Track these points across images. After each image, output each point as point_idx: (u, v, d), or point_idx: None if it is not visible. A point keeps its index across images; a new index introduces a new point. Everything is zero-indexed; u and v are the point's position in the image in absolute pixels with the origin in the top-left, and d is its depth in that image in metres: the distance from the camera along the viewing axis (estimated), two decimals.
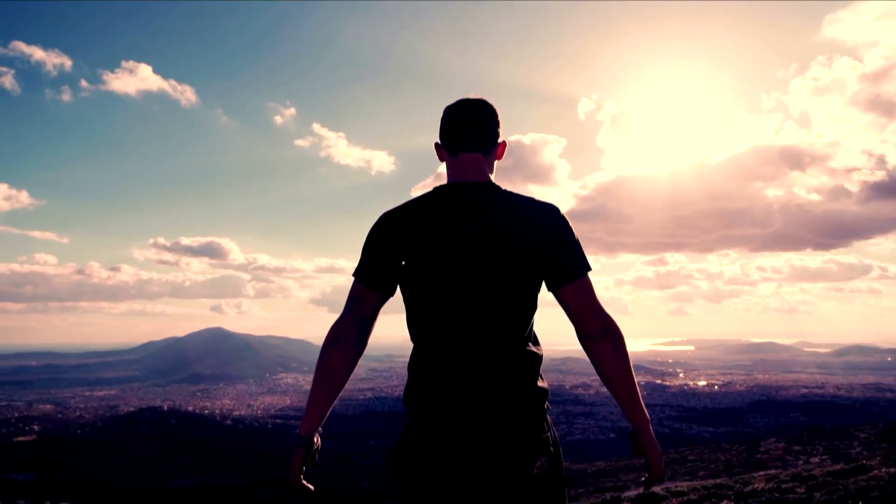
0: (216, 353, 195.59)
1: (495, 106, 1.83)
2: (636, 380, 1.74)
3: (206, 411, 78.34)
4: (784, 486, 5.92)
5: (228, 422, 69.96)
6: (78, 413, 79.15)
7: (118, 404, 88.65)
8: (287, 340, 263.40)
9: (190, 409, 78.29)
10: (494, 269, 1.64)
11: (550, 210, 1.71)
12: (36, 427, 67.04)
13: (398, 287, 1.76)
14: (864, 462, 6.86)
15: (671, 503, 6.08)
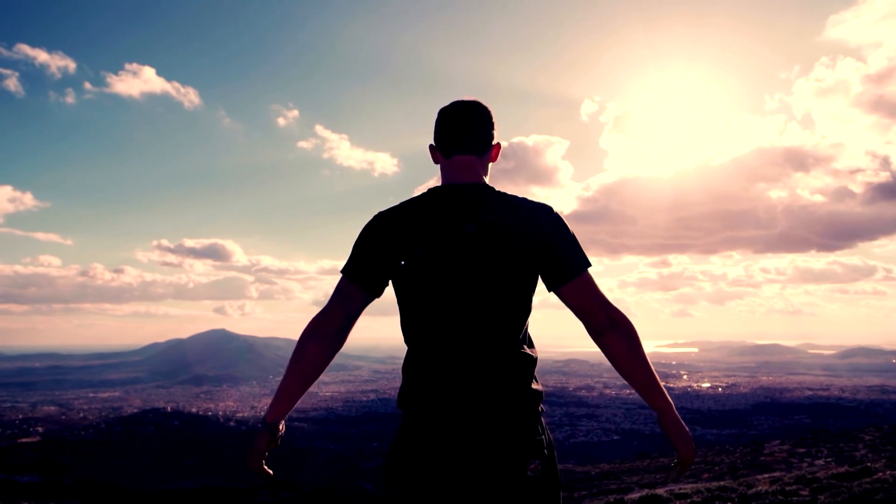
0: (219, 355, 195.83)
1: (490, 108, 1.83)
2: (652, 366, 1.73)
3: (210, 413, 78.41)
4: (788, 488, 5.91)
5: (232, 423, 70.00)
6: (82, 414, 79.30)
7: (122, 406, 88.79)
8: (290, 342, 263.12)
9: (193, 410, 78.37)
10: (495, 268, 1.64)
11: (546, 210, 1.71)
12: (40, 428, 67.20)
13: (387, 288, 1.75)
14: (869, 464, 6.83)
15: None
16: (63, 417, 76.56)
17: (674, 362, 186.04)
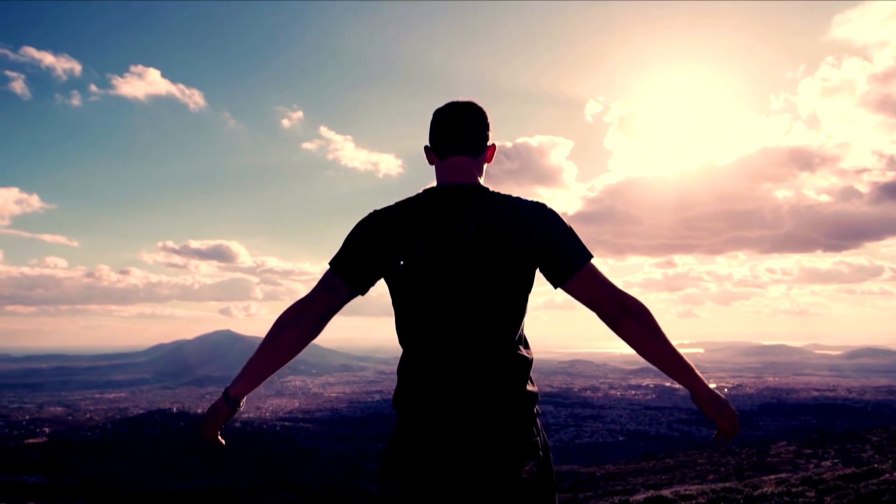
0: (225, 356, 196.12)
1: (486, 108, 1.82)
2: (674, 346, 1.72)
3: None
4: (794, 489, 5.88)
5: (237, 424, 70.07)
6: (88, 415, 79.61)
7: (128, 406, 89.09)
8: None
9: (199, 411, 78.43)
10: (494, 269, 1.63)
11: (542, 208, 1.71)
12: (46, 429, 67.48)
13: (372, 288, 1.75)
14: (876, 466, 6.80)
15: None
16: (69, 418, 76.86)
17: None
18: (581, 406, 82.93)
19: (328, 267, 1.75)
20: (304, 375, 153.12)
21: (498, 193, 1.73)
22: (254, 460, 54.33)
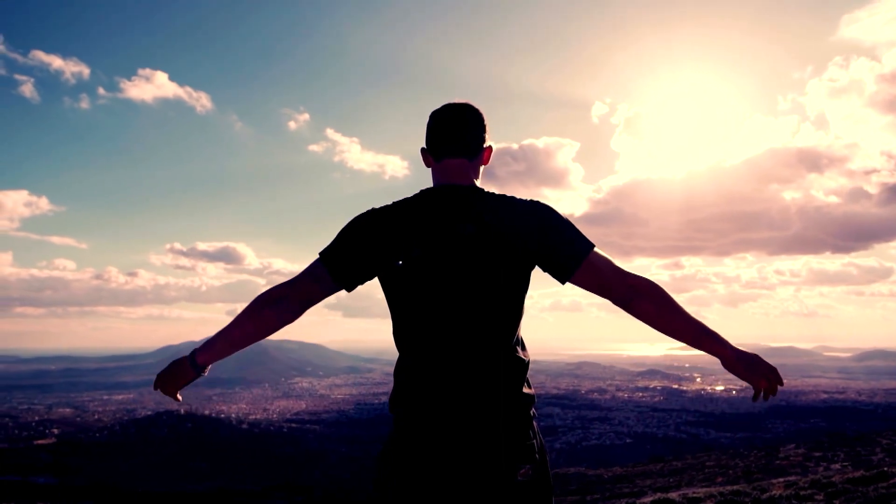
0: (232, 357, 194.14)
1: (482, 110, 1.80)
2: (692, 316, 1.69)
3: (223, 415, 78.78)
4: (802, 492, 5.85)
5: (244, 426, 70.31)
6: (96, 416, 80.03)
7: (136, 408, 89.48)
8: (302, 345, 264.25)
9: (206, 412, 78.73)
10: (495, 269, 1.62)
11: (538, 205, 1.70)
12: (56, 430, 67.85)
13: (357, 286, 1.73)
14: (886, 469, 6.75)
15: None
16: (78, 419, 77.28)
17: (687, 365, 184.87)
18: (588, 408, 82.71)
19: (318, 257, 1.73)
20: (311, 377, 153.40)
21: (496, 194, 1.72)
22: (261, 462, 54.49)
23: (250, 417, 79.77)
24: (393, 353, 1.76)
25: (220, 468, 52.12)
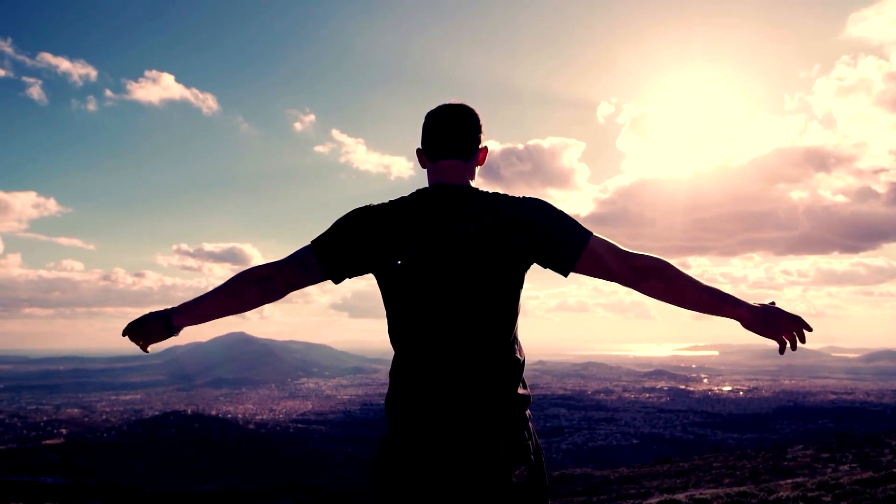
0: (239, 358, 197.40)
1: (478, 110, 1.79)
2: (704, 285, 1.67)
3: (229, 416, 79.04)
4: (810, 494, 5.82)
5: (251, 426, 70.53)
6: (104, 417, 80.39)
7: (143, 408, 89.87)
8: (308, 345, 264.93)
9: (213, 413, 79.01)
10: (493, 269, 1.61)
11: (532, 201, 1.69)
12: (64, 430, 68.24)
13: (345, 279, 1.72)
14: (895, 470, 6.70)
15: None
16: (86, 420, 77.67)
17: (694, 365, 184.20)
18: (595, 409, 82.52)
19: (309, 244, 1.72)
20: (318, 377, 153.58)
21: (491, 193, 1.71)
22: (268, 462, 54.60)
23: (257, 418, 80.00)
24: None
25: (226, 468, 52.26)
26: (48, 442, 59.42)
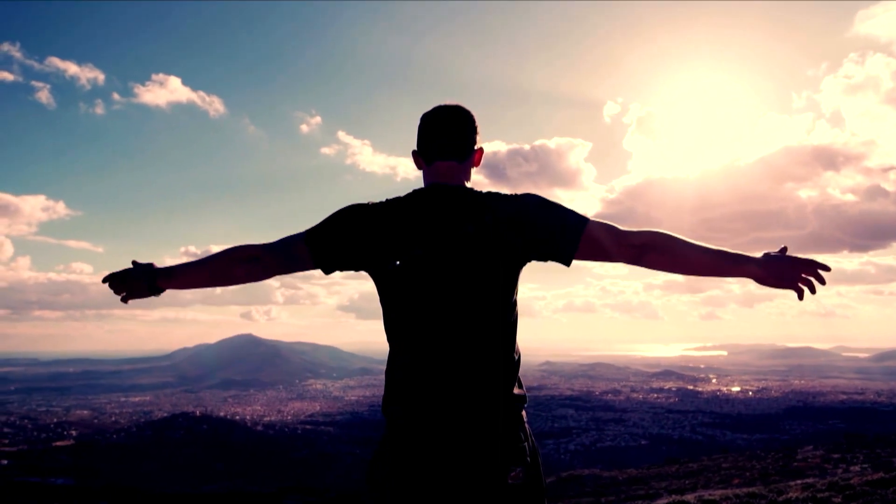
0: (246, 360, 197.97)
1: (473, 111, 1.78)
2: (706, 248, 1.65)
3: (237, 417, 79.24)
4: (820, 495, 5.78)
5: (259, 428, 70.70)
6: (114, 418, 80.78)
7: (152, 410, 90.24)
8: (316, 347, 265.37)
9: (221, 414, 79.23)
10: (495, 268, 1.61)
11: (524, 197, 1.69)
12: (74, 432, 68.59)
13: (335, 272, 1.73)
14: None
15: None
16: (95, 421, 78.06)
17: (702, 366, 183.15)
18: (603, 409, 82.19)
19: (303, 233, 1.73)
20: (325, 379, 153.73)
21: (487, 192, 1.71)
22: (276, 463, 54.73)
23: (265, 419, 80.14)
24: None
25: (235, 470, 52.41)
26: (58, 443, 59.81)
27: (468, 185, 1.77)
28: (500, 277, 1.62)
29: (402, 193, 1.74)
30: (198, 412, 77.44)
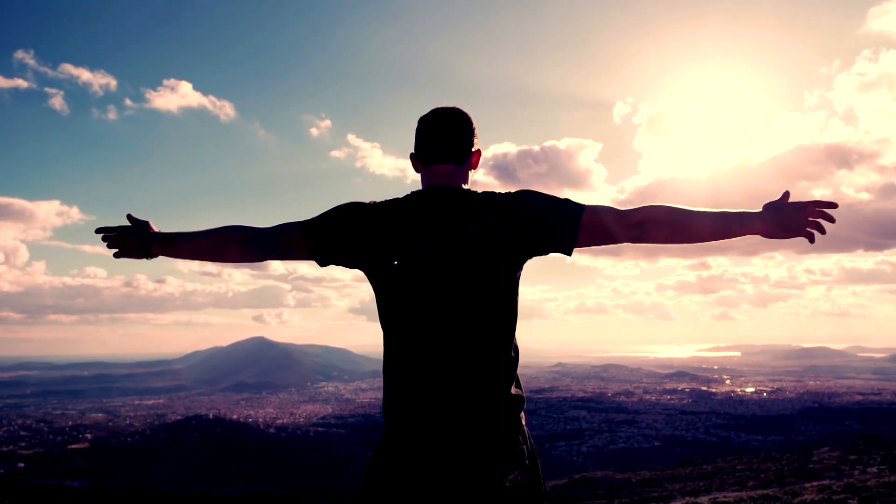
0: (259, 362, 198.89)
1: (471, 113, 1.78)
2: (705, 213, 1.63)
3: (250, 420, 79.61)
4: (836, 497, 5.72)
5: (272, 430, 70.97)
6: (128, 421, 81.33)
7: (166, 413, 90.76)
8: (327, 349, 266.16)
9: (234, 417, 79.63)
10: (497, 268, 1.61)
11: (519, 193, 1.68)
12: (89, 435, 69.15)
13: (329, 265, 1.72)
14: None
15: None
16: (110, 424, 78.64)
17: (716, 367, 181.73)
18: (615, 411, 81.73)
19: (300, 223, 1.73)
20: (337, 381, 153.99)
21: (485, 192, 1.70)
22: (289, 466, 54.92)
23: (278, 422, 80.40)
24: None
25: (248, 472, 52.63)
26: (74, 446, 60.36)
27: (466, 186, 1.76)
28: (502, 276, 1.62)
29: None
30: (211, 415, 77.88)
